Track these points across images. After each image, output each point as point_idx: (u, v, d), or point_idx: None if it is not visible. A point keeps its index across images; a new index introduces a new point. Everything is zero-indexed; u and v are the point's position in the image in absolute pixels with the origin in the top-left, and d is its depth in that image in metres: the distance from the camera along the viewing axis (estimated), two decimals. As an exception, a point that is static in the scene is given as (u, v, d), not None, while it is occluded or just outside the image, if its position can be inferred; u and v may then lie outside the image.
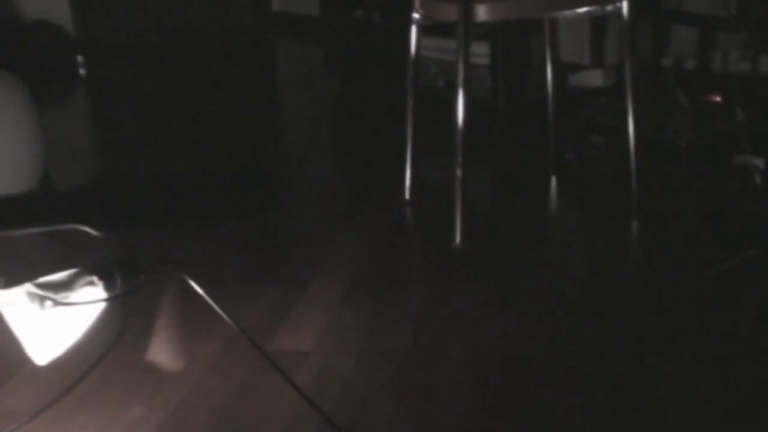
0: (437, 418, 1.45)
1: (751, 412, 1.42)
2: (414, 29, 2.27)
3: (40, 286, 1.31)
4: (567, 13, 2.12)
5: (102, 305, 1.38)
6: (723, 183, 2.39)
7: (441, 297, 1.88)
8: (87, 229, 1.45)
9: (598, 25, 3.16)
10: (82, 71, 4.19)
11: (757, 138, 2.38)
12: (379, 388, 1.54)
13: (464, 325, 1.75)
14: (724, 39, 2.96)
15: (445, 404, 1.49)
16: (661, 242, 2.09)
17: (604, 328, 1.71)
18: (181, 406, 1.51)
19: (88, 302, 1.34)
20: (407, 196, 2.40)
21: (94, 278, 1.33)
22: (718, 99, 2.79)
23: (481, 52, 2.97)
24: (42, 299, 1.30)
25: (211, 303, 1.40)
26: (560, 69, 2.81)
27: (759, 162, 2.35)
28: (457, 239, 2.09)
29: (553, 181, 2.49)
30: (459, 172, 2.08)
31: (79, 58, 4.20)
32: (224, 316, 1.40)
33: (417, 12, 2.24)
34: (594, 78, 3.19)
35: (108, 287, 1.35)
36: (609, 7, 2.10)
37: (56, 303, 1.31)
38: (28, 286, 1.30)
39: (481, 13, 2.03)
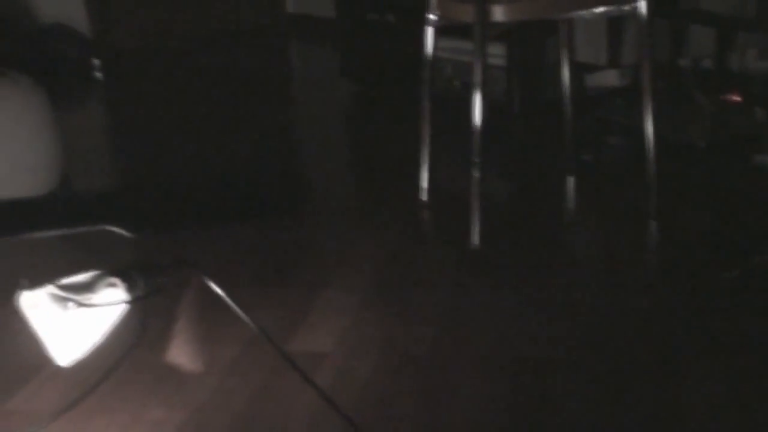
0: (456, 419, 1.45)
1: (772, 413, 1.42)
2: (430, 30, 2.27)
3: (63, 287, 1.32)
4: (584, 13, 2.11)
5: (123, 307, 1.39)
6: (742, 183, 2.38)
7: (459, 298, 1.88)
8: (118, 230, 1.46)
9: (615, 24, 3.16)
10: (98, 74, 4.21)
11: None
12: (398, 388, 1.54)
13: (482, 326, 1.75)
14: (742, 38, 2.95)
15: (465, 405, 1.49)
16: (679, 243, 2.08)
17: (622, 329, 1.71)
18: (202, 408, 1.51)
19: (110, 304, 1.35)
20: (424, 197, 2.40)
21: (116, 280, 1.34)
22: (736, 98, 2.78)
23: (496, 52, 2.97)
24: (64, 301, 1.31)
25: (231, 304, 1.41)
26: (576, 69, 2.81)
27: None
28: (475, 240, 2.09)
29: (570, 181, 2.49)
30: (476, 173, 2.08)
31: (96, 62, 4.22)
32: (244, 317, 1.41)
33: (432, 13, 2.24)
34: (610, 78, 3.18)
35: (129, 289, 1.36)
36: (626, 7, 2.09)
37: (78, 304, 1.32)
38: (51, 288, 1.31)
39: (498, 13, 2.03)
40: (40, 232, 1.85)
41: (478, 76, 2.04)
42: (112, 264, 1.37)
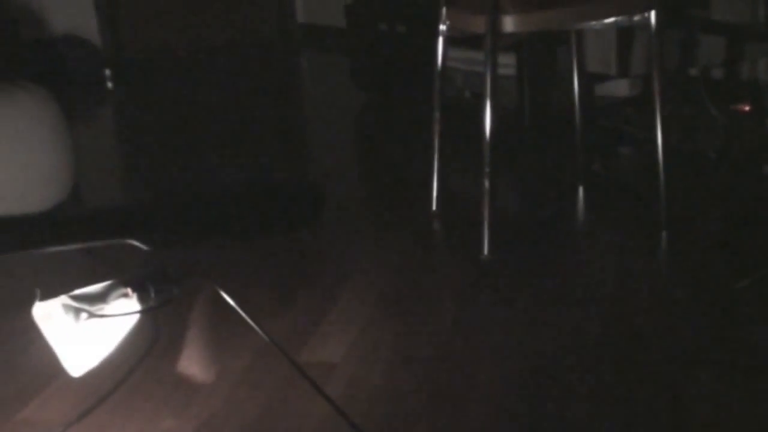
0: (467, 429, 1.45)
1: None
2: (440, 41, 2.28)
3: (76, 298, 1.33)
4: (594, 23, 2.11)
5: (135, 317, 1.40)
6: (753, 192, 2.38)
7: (470, 308, 1.88)
8: (136, 243, 1.47)
9: (625, 34, 3.15)
10: (109, 84, 4.23)
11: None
12: (409, 399, 1.54)
13: (493, 335, 1.75)
14: (752, 47, 2.94)
15: (476, 415, 1.49)
16: (690, 252, 2.08)
17: (633, 339, 1.70)
18: (213, 418, 1.52)
19: (123, 314, 1.35)
20: (435, 207, 2.41)
21: (129, 290, 1.35)
22: (747, 108, 2.78)
23: (507, 62, 2.97)
24: (77, 311, 1.32)
25: (242, 314, 1.41)
26: (587, 79, 2.81)
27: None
28: (485, 250, 2.09)
29: (581, 191, 2.49)
30: (486, 183, 2.08)
31: (107, 72, 4.25)
32: (255, 327, 1.41)
33: (444, 23, 2.25)
34: (621, 88, 3.17)
35: (141, 299, 1.37)
36: (636, 17, 2.09)
37: (91, 315, 1.33)
38: (64, 298, 1.32)
39: (508, 24, 2.03)
40: (60, 246, 1.87)
41: (488, 86, 2.05)
42: (125, 275, 1.38)
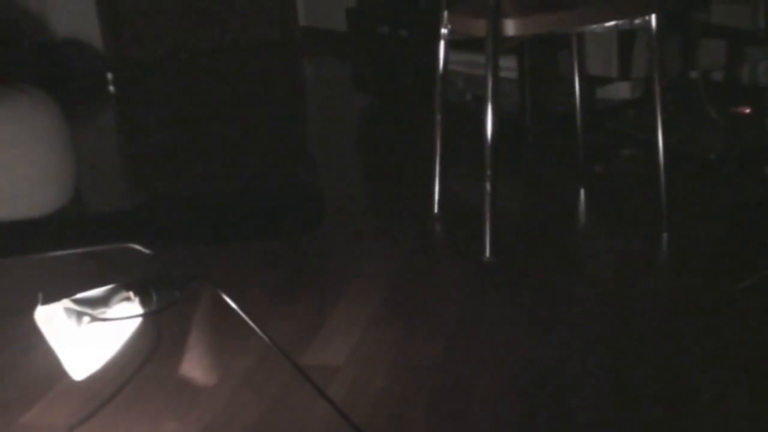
0: (470, 432, 1.45)
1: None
2: (442, 44, 2.28)
3: (78, 301, 1.33)
4: (595, 27, 2.12)
5: (137, 320, 1.40)
6: (753, 194, 2.38)
7: (472, 310, 1.89)
8: (138, 247, 1.47)
9: (626, 37, 3.16)
10: (111, 88, 4.24)
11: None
12: (412, 402, 1.54)
13: (496, 338, 1.75)
14: (752, 51, 2.95)
15: (478, 418, 1.49)
16: (691, 254, 2.08)
17: (636, 341, 1.70)
18: (215, 421, 1.52)
19: (125, 318, 1.36)
20: (436, 210, 2.41)
21: (131, 294, 1.35)
22: (747, 111, 2.78)
23: (508, 65, 2.98)
24: (79, 315, 1.32)
25: (245, 317, 1.42)
26: (588, 82, 2.81)
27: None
28: (487, 253, 2.09)
29: (582, 193, 2.49)
30: (488, 186, 2.08)
31: (109, 76, 4.26)
32: (257, 330, 1.42)
33: (445, 27, 2.26)
34: (622, 90, 3.18)
35: (143, 303, 1.37)
36: (637, 21, 2.10)
37: (93, 318, 1.33)
38: (66, 302, 1.33)
39: (510, 28, 2.03)
40: (63, 250, 1.87)
41: (490, 89, 2.05)
42: (127, 278, 1.38)
